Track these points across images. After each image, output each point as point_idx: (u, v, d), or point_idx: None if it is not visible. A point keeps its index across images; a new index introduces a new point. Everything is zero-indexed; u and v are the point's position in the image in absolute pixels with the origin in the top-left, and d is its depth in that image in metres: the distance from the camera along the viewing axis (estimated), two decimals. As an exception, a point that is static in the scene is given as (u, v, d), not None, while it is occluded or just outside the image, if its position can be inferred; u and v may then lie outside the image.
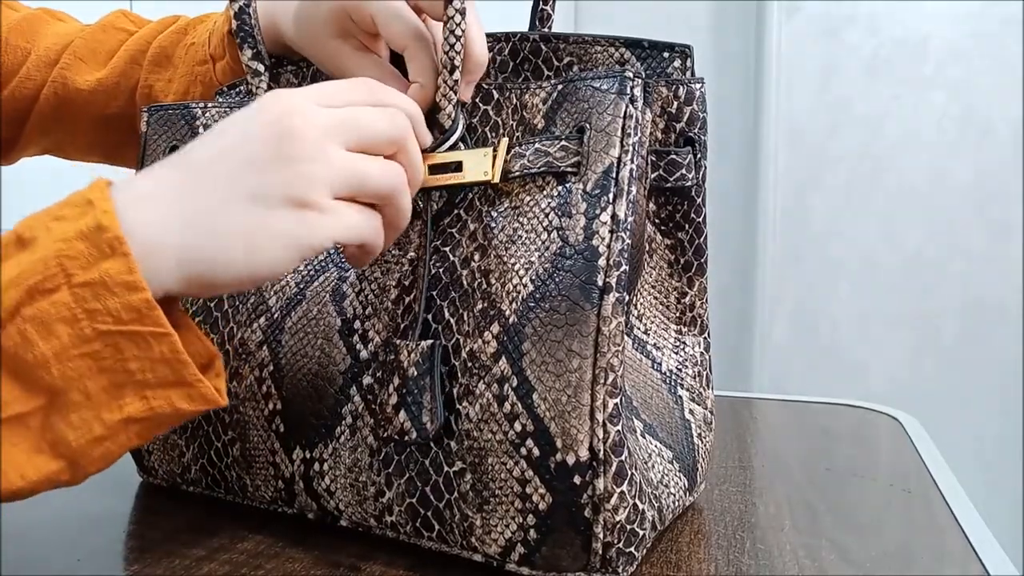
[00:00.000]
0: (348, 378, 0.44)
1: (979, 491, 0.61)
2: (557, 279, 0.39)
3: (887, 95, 1.47)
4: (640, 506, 0.39)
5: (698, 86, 0.43)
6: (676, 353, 0.47)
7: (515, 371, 0.39)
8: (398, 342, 0.41)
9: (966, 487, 0.54)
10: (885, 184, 1.48)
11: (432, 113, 0.42)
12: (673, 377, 0.46)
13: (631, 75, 0.40)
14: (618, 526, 0.38)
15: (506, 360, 0.39)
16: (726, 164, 1.52)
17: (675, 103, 0.43)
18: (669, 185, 0.44)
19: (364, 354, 0.44)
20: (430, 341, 0.41)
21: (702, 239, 0.46)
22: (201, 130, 0.52)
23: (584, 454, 0.37)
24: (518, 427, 0.39)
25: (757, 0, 1.46)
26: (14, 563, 0.42)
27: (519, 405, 0.39)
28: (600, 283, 0.38)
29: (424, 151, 0.41)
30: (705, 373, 0.47)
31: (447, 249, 0.43)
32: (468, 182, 0.42)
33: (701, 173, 0.44)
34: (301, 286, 0.46)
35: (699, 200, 0.45)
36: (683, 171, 0.44)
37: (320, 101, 0.37)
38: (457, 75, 0.42)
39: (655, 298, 0.46)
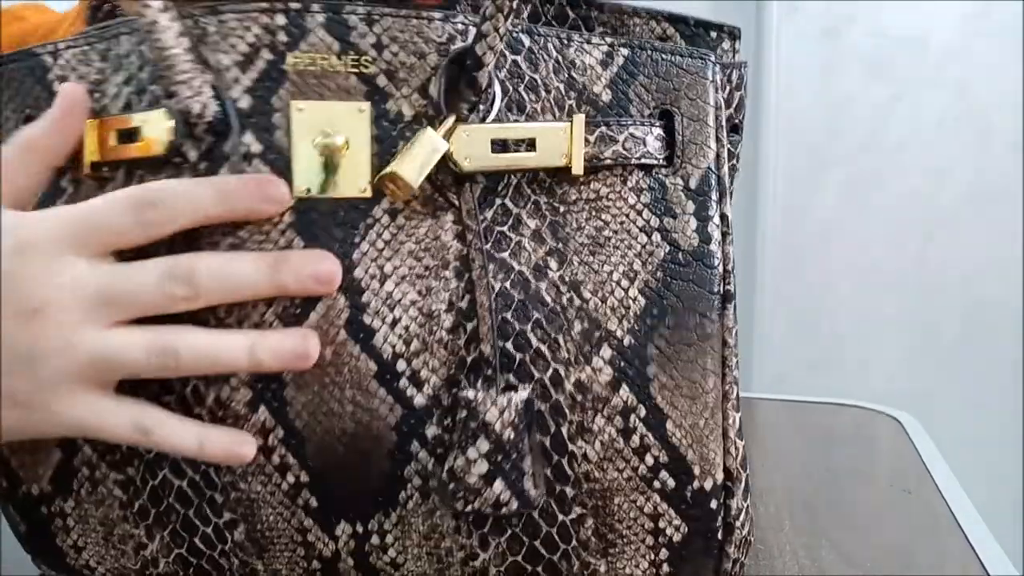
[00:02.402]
0: (404, 432, 0.35)
1: (979, 491, 0.61)
2: (675, 290, 0.35)
3: (887, 95, 1.47)
4: (751, 512, 0.37)
5: (746, 71, 0.40)
6: None
7: (641, 399, 0.35)
8: (475, 395, 0.33)
9: (966, 487, 0.54)
10: (885, 184, 1.48)
11: (474, 66, 0.33)
12: None
13: (714, 59, 0.36)
14: (743, 540, 0.37)
15: (628, 388, 0.34)
16: (726, 164, 1.52)
17: (727, 87, 0.39)
18: None
19: (420, 400, 0.35)
20: (525, 394, 0.34)
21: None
22: (57, 87, 0.37)
23: (720, 476, 0.35)
24: (650, 460, 0.35)
25: (757, 0, 1.46)
26: (14, 563, 0.42)
27: (650, 436, 0.35)
28: (722, 291, 0.35)
29: (459, 121, 0.34)
30: None
31: (504, 255, 0.35)
32: (542, 167, 0.35)
33: (738, 160, 0.42)
34: (287, 322, 0.35)
35: (732, 188, 0.42)
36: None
37: (76, 244, 0.29)
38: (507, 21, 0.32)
39: None
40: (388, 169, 0.33)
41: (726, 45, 0.40)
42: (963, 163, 1.45)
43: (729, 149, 0.41)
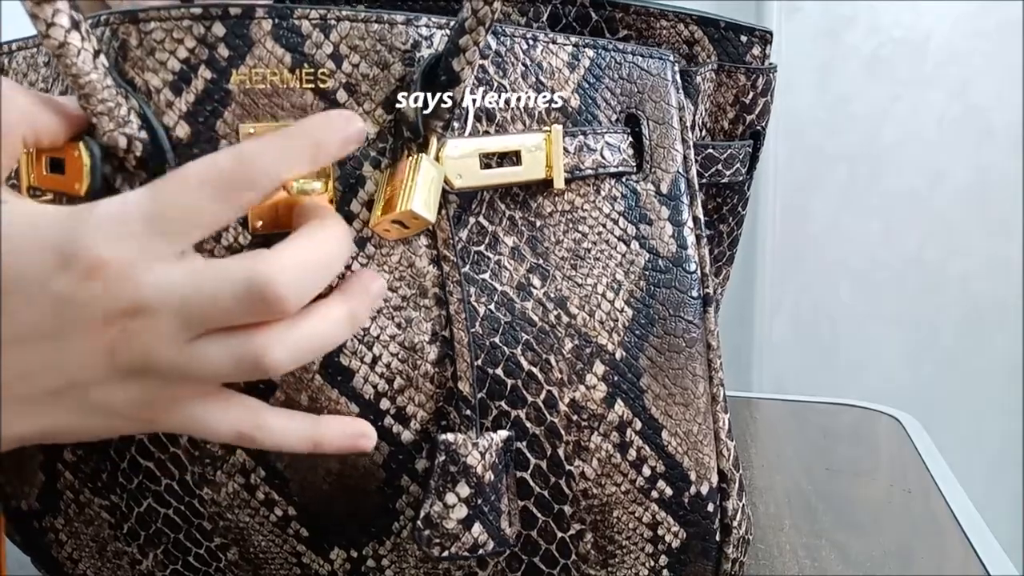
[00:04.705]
0: (393, 469, 0.33)
1: (979, 491, 0.61)
2: (660, 297, 0.34)
3: (887, 95, 1.47)
4: (747, 511, 0.38)
5: (774, 76, 0.39)
6: None
7: (636, 412, 0.34)
8: (455, 438, 0.32)
9: (966, 487, 0.54)
10: (885, 184, 1.48)
11: (449, 82, 0.30)
12: None
13: (672, 59, 0.35)
14: (741, 540, 0.37)
15: (623, 402, 0.34)
16: (726, 164, 1.52)
17: (751, 93, 0.39)
18: (704, 181, 0.40)
19: (407, 436, 0.33)
20: (506, 433, 0.33)
21: (740, 230, 0.43)
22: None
23: (715, 479, 0.35)
24: (647, 471, 0.35)
25: (757, 0, 1.46)
26: (14, 563, 0.42)
27: (647, 448, 0.34)
28: (702, 295, 0.35)
29: (440, 139, 0.31)
30: None
31: (485, 276, 0.33)
32: (527, 180, 0.33)
33: (755, 165, 0.41)
34: None
35: (748, 193, 0.42)
36: (719, 167, 0.40)
37: (156, 243, 0.25)
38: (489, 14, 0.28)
39: None
40: (404, 207, 0.29)
41: (756, 51, 0.39)
42: (962, 163, 1.45)
43: (751, 154, 0.40)
